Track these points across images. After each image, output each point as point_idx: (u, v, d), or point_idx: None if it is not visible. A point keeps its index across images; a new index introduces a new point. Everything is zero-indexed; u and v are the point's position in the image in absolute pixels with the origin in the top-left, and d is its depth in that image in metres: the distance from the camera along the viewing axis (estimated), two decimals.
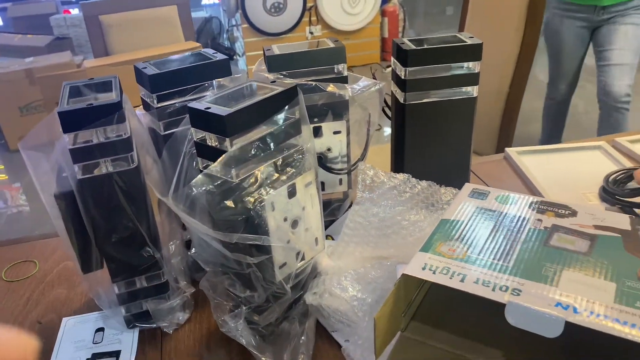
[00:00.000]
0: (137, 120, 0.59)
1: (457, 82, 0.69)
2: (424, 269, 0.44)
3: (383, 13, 4.11)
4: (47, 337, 0.62)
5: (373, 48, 4.14)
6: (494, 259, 0.45)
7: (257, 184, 0.50)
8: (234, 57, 4.27)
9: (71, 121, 0.50)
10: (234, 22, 4.12)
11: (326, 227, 0.73)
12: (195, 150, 0.51)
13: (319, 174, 0.56)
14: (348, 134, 0.71)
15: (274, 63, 0.67)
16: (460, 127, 0.72)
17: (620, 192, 0.78)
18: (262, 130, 0.50)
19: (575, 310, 0.38)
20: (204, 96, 0.54)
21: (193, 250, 0.54)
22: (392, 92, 0.73)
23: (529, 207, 0.53)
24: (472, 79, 0.69)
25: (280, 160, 0.52)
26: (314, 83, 0.65)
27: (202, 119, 0.49)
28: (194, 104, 0.49)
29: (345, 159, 0.73)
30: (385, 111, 0.76)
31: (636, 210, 0.74)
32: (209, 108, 0.48)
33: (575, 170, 0.90)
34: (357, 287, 0.55)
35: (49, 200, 0.54)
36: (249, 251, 0.50)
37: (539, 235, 0.48)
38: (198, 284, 0.56)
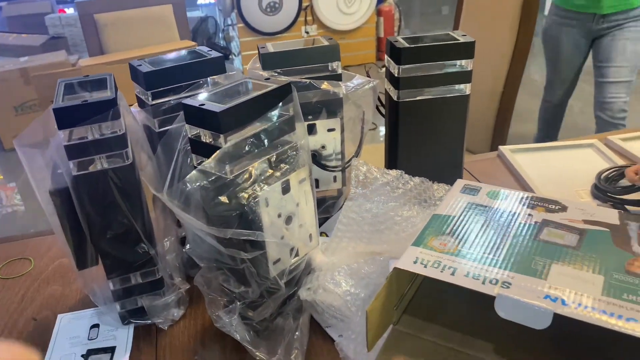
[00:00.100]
0: (132, 117, 0.59)
1: (450, 79, 0.69)
2: (415, 262, 0.44)
3: (379, 13, 4.11)
4: (42, 334, 0.63)
5: (369, 48, 4.15)
6: (484, 252, 0.45)
7: (251, 180, 0.50)
8: (230, 56, 4.27)
9: (66, 118, 0.50)
10: (229, 22, 4.12)
11: (321, 224, 0.74)
12: (189, 147, 0.52)
13: (313, 171, 0.57)
14: (342, 131, 0.72)
15: (268, 61, 0.67)
16: (453, 124, 0.73)
17: (612, 189, 0.79)
18: (256, 127, 0.51)
19: (563, 302, 0.39)
20: (198, 93, 0.54)
21: (187, 246, 0.54)
22: (385, 89, 0.74)
23: (520, 202, 0.54)
24: (464, 76, 0.70)
25: (274, 156, 0.52)
26: (308, 80, 0.65)
27: (196, 116, 0.49)
28: (188, 101, 0.50)
29: (340, 156, 0.73)
30: (379, 109, 0.76)
31: (627, 207, 0.75)
32: (203, 105, 0.48)
33: (568, 168, 0.91)
34: (351, 282, 0.55)
35: (44, 197, 0.54)
36: (243, 247, 0.51)
37: (529, 230, 0.49)
38: (193, 281, 0.57)
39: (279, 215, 0.53)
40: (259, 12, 3.72)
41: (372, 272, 0.56)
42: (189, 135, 0.51)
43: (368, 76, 0.72)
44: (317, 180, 0.74)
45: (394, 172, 0.65)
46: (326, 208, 0.77)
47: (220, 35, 4.44)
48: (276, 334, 0.56)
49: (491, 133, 1.59)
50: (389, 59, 0.71)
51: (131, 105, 0.63)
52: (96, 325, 0.63)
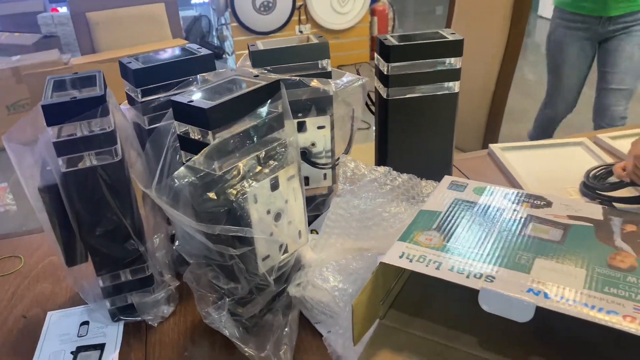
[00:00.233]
0: (122, 115, 0.59)
1: (439, 77, 0.70)
2: (401, 257, 0.45)
3: (372, 12, 4.11)
4: (32, 331, 0.63)
5: (362, 47, 4.15)
6: (469, 247, 0.46)
7: (240, 176, 0.50)
8: (223, 55, 4.26)
9: (55, 114, 0.50)
10: (223, 21, 4.11)
11: (311, 222, 0.74)
12: (178, 144, 0.52)
13: (303, 169, 0.57)
14: (332, 129, 0.72)
15: (258, 58, 0.68)
16: (442, 122, 0.73)
17: (600, 186, 0.80)
18: (244, 124, 0.51)
19: (546, 295, 0.39)
20: (188, 90, 0.54)
21: (177, 243, 0.54)
22: (375, 87, 0.74)
23: (506, 198, 0.54)
24: (453, 74, 0.70)
25: (263, 153, 0.52)
26: (297, 78, 0.66)
27: (185, 112, 0.49)
28: (177, 97, 0.50)
29: (330, 153, 0.74)
30: (369, 106, 0.77)
31: (615, 203, 0.76)
32: (191, 101, 0.49)
33: (557, 166, 0.92)
34: (339, 278, 0.56)
35: (33, 194, 0.54)
36: (232, 243, 0.51)
37: (514, 225, 0.49)
38: (183, 278, 0.57)
39: (268, 212, 0.53)
40: (253, 12, 3.71)
41: (360, 268, 0.56)
42: (178, 132, 0.51)
43: (358, 74, 0.72)
44: (307, 178, 0.74)
45: (381, 169, 0.65)
46: (316, 205, 0.77)
47: (214, 34, 4.43)
48: (265, 330, 0.57)
49: (483, 132, 1.60)
50: (379, 56, 0.71)
51: (121, 103, 0.63)
52: (86, 322, 0.63)
